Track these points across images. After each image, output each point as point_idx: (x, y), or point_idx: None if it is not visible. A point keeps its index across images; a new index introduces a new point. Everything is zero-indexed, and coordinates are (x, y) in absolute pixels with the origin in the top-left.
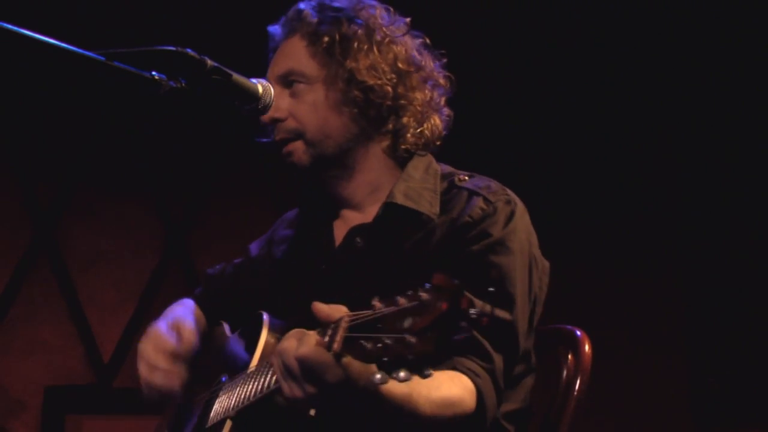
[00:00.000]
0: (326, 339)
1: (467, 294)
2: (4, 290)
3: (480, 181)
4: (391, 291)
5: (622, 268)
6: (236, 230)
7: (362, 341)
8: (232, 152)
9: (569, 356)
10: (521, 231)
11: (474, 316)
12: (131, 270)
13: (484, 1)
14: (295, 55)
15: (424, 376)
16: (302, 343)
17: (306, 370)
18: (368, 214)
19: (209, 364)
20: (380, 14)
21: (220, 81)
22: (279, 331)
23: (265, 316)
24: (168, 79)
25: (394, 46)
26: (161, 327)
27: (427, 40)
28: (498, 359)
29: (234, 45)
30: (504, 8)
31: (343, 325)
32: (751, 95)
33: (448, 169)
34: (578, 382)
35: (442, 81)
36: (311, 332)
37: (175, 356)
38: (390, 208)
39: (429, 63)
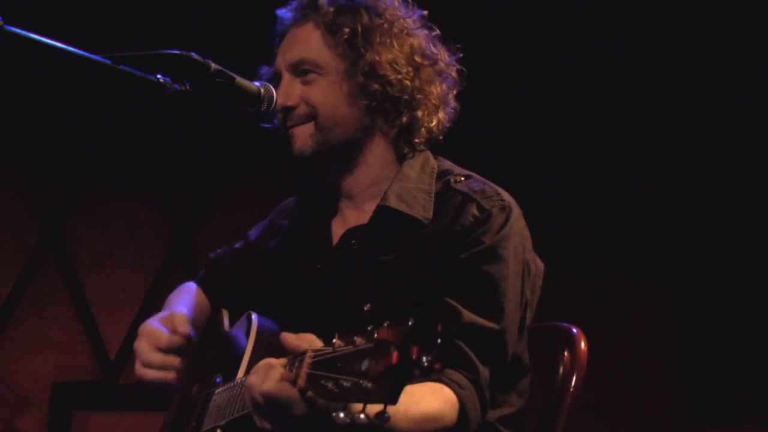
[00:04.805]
0: (291, 373)
1: (416, 346)
2: (13, 289)
3: (475, 184)
4: (350, 327)
5: (617, 266)
6: (240, 229)
7: (323, 381)
8: (235, 153)
9: (565, 353)
10: (515, 236)
11: (426, 364)
12: (137, 269)
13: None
14: (310, 44)
15: (383, 420)
16: (267, 378)
17: (271, 404)
18: (364, 212)
19: (208, 358)
20: (398, 5)
21: (224, 84)
22: (267, 336)
23: (255, 320)
24: (173, 82)
25: (411, 39)
26: (153, 324)
27: (439, 32)
28: (484, 370)
29: (237, 48)
30: (502, 7)
31: (307, 360)
32: (747, 99)
33: (445, 165)
34: (574, 378)
35: (453, 75)
36: (277, 366)
37: (168, 349)
38: (383, 210)
39: (443, 56)
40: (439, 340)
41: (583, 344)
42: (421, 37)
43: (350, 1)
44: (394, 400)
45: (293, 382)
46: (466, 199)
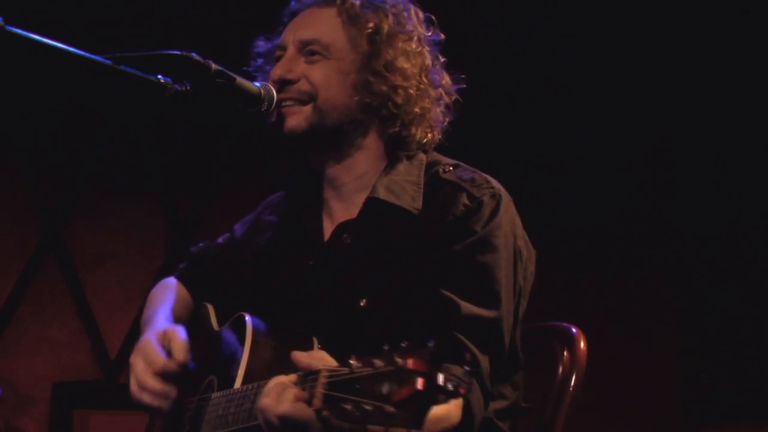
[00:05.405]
0: (305, 393)
1: (441, 372)
2: (13, 289)
3: (464, 173)
4: (366, 349)
5: (617, 266)
6: None
7: (342, 403)
8: (235, 153)
9: (565, 353)
10: (506, 225)
11: (452, 388)
12: (137, 269)
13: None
14: (327, 27)
15: None
16: (281, 399)
17: (287, 425)
18: (353, 205)
19: (195, 357)
20: (421, 21)
21: (224, 84)
22: (263, 339)
23: (248, 323)
24: (173, 83)
25: (423, 58)
26: (152, 340)
27: (446, 60)
28: (484, 360)
29: (237, 48)
30: (499, 5)
31: (322, 380)
32: (747, 96)
33: (433, 157)
34: (574, 378)
35: (450, 103)
36: (290, 384)
37: (164, 375)
38: (372, 203)
39: (446, 83)
40: (467, 368)
41: (582, 344)
42: (431, 59)
43: (380, 0)
44: (419, 426)
45: (308, 402)
46: (456, 189)
